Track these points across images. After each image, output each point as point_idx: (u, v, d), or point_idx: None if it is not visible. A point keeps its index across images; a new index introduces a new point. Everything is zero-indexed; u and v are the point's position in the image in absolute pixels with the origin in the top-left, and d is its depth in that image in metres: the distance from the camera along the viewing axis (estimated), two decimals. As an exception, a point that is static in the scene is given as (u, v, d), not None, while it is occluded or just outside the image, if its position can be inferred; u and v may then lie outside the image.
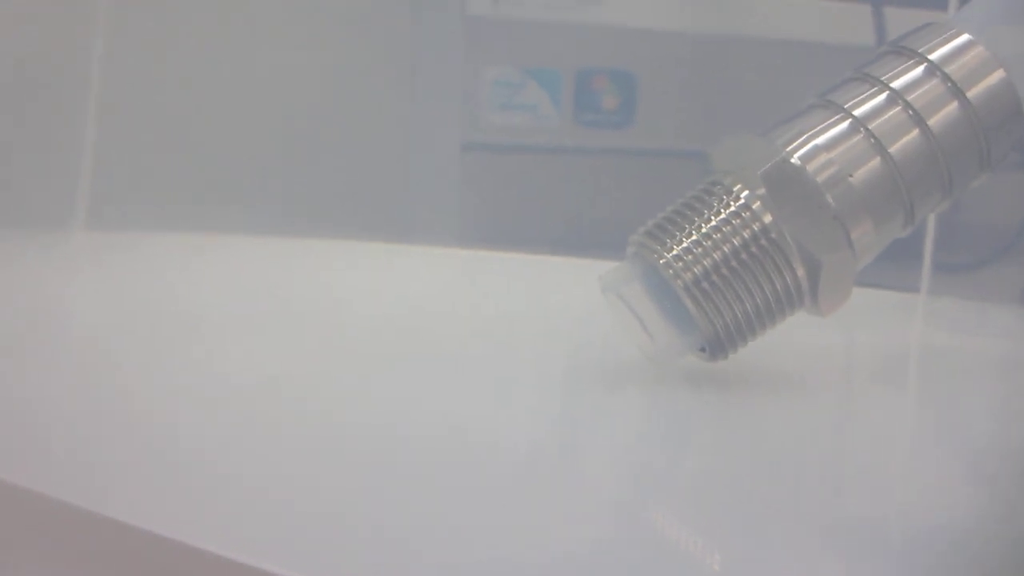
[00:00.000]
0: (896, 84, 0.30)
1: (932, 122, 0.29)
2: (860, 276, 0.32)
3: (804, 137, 0.30)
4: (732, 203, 0.30)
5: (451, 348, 0.35)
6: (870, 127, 0.30)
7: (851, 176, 0.29)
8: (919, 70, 0.30)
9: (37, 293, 0.42)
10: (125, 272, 0.46)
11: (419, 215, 0.60)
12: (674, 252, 0.30)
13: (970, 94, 0.29)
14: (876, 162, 0.30)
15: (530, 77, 0.65)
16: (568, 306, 0.38)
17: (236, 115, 0.57)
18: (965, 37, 0.29)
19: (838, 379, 0.34)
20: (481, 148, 0.63)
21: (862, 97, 0.30)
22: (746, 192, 0.30)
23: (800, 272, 0.30)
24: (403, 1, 0.62)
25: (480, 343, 0.36)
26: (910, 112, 0.29)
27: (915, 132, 0.29)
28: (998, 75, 0.29)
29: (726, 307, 0.30)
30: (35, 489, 0.24)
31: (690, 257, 0.30)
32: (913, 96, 0.29)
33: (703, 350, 0.31)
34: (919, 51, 0.30)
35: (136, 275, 0.45)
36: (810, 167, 0.30)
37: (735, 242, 0.30)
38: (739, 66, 0.69)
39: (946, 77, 0.29)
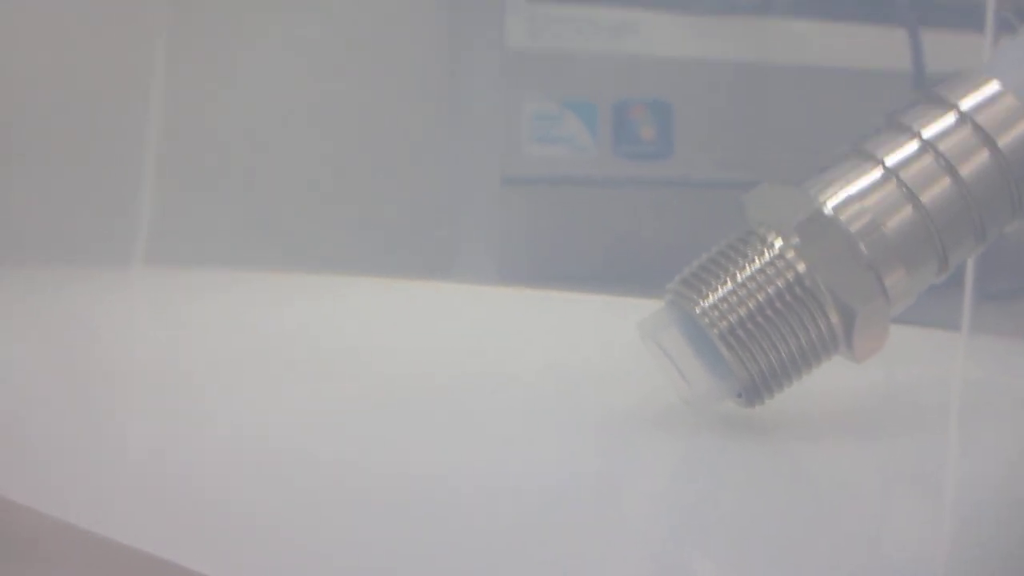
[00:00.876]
0: (927, 133, 0.30)
1: (963, 170, 0.30)
2: (901, 312, 0.32)
3: (837, 186, 0.30)
4: (767, 252, 0.31)
5: (487, 388, 0.36)
6: (902, 176, 0.30)
7: (884, 225, 0.30)
8: (950, 119, 0.30)
9: (94, 330, 0.43)
10: (182, 309, 0.47)
11: (460, 248, 0.61)
12: (710, 300, 0.31)
13: (1001, 143, 0.30)
14: (908, 211, 0.30)
15: (568, 109, 0.66)
16: (607, 347, 0.39)
17: (283, 151, 0.58)
18: (996, 86, 0.30)
19: (877, 422, 0.35)
20: (521, 181, 0.64)
21: (894, 146, 0.30)
22: (780, 241, 0.31)
23: (835, 320, 0.30)
24: (442, 36, 0.63)
25: (517, 383, 0.37)
26: (941, 161, 0.30)
27: (946, 180, 0.30)
28: (1029, 124, 0.29)
29: (761, 354, 0.30)
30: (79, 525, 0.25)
31: (725, 306, 0.31)
32: (944, 145, 0.30)
33: (740, 396, 0.32)
34: (950, 100, 0.30)
35: (193, 312, 0.47)
36: (843, 216, 0.30)
37: (770, 291, 0.30)
38: (776, 93, 0.69)
39: (977, 126, 0.30)
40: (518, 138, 0.64)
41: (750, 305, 0.30)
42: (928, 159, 0.30)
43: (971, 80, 0.30)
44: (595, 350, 0.39)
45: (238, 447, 0.31)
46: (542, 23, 0.65)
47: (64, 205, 0.56)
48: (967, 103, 0.30)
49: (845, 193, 0.30)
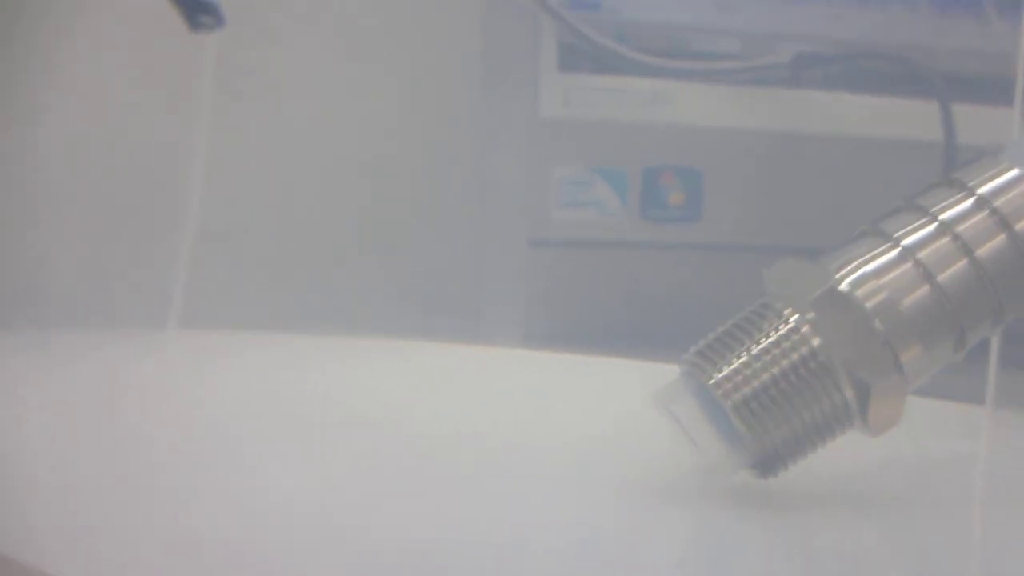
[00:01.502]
0: (945, 216, 0.31)
1: (980, 253, 0.30)
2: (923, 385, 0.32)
3: (854, 264, 0.31)
4: (782, 325, 0.31)
5: (505, 452, 0.37)
6: (919, 256, 0.30)
7: (900, 303, 0.30)
8: (968, 203, 0.31)
9: (127, 394, 0.44)
10: (215, 374, 0.48)
11: (488, 310, 0.62)
12: (724, 372, 0.31)
13: (1019, 227, 0.30)
14: (925, 290, 0.30)
15: (597, 175, 0.67)
16: (625, 413, 0.39)
17: (317, 216, 0.60)
18: (1015, 172, 0.30)
19: (895, 499, 0.34)
20: (548, 244, 0.65)
21: (912, 227, 0.31)
22: (796, 316, 0.31)
23: (849, 394, 0.31)
24: (478, 103, 0.65)
25: (535, 448, 0.37)
26: (959, 243, 0.30)
27: (964, 262, 0.30)
28: (1045, 208, 0.30)
29: (775, 427, 0.31)
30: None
31: (740, 378, 0.31)
32: (962, 227, 0.30)
33: (754, 467, 0.32)
34: (969, 184, 0.31)
35: (226, 377, 0.48)
36: (859, 293, 0.31)
37: (784, 364, 0.31)
38: (803, 162, 0.70)
39: (995, 211, 0.30)
40: (546, 202, 0.65)
41: (764, 378, 0.31)
42: (946, 240, 0.30)
43: (989, 165, 0.31)
44: (613, 416, 0.39)
45: (269, 512, 0.31)
46: (575, 93, 0.66)
47: (101, 268, 0.57)
48: (986, 188, 0.30)
49: (861, 270, 0.31)
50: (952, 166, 0.65)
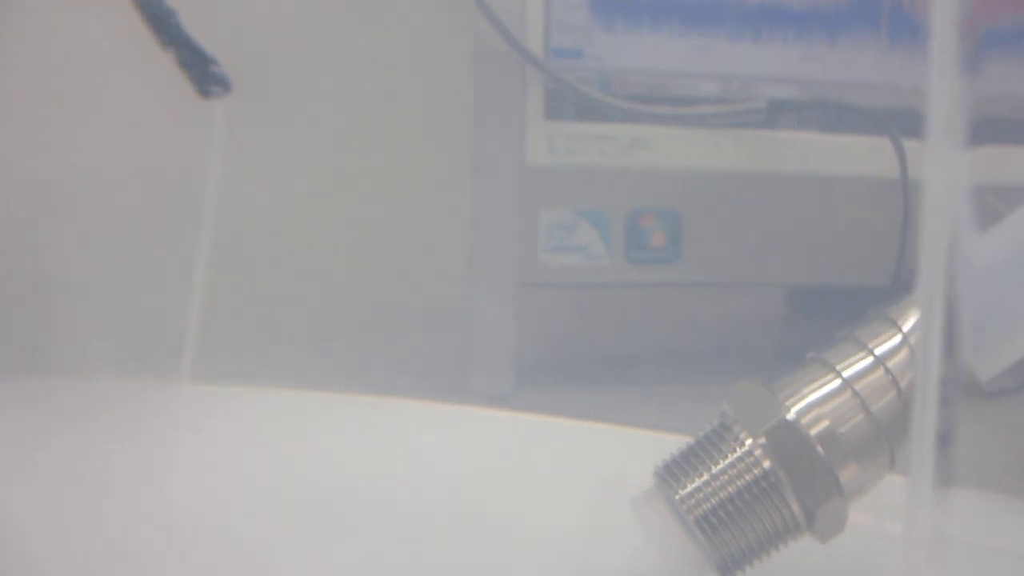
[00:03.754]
0: (878, 351, 0.35)
1: (904, 384, 0.35)
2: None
3: (801, 394, 0.35)
4: (739, 448, 0.35)
5: (483, 532, 0.41)
6: (856, 388, 0.35)
7: (839, 430, 0.35)
8: (897, 340, 0.35)
9: (135, 450, 0.48)
10: (223, 431, 0.52)
11: (477, 351, 0.66)
12: (688, 489, 0.36)
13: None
14: (860, 418, 0.35)
15: (582, 218, 0.70)
16: (601, 494, 0.44)
17: (318, 270, 0.64)
18: (938, 313, 0.35)
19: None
20: (535, 287, 0.69)
21: (851, 360, 0.35)
22: (750, 440, 0.35)
23: (797, 509, 0.35)
24: (466, 152, 0.68)
25: (502, 528, 0.42)
26: (889, 376, 0.35)
27: (893, 393, 0.35)
28: (967, 347, 0.34)
29: (732, 539, 0.35)
30: None
31: (701, 495, 0.35)
32: (892, 362, 0.35)
33: (718, 570, 0.36)
34: (898, 322, 0.35)
35: (232, 435, 0.52)
36: (804, 421, 0.35)
37: (740, 483, 0.35)
38: (775, 200, 0.73)
39: (913, 349, 0.34)
40: (533, 246, 0.69)
41: (723, 495, 0.35)
42: (879, 373, 0.35)
43: (914, 305, 0.35)
44: (589, 497, 0.44)
45: None
46: (560, 140, 0.69)
47: (113, 319, 0.61)
48: (909, 326, 0.35)
49: (807, 400, 0.35)
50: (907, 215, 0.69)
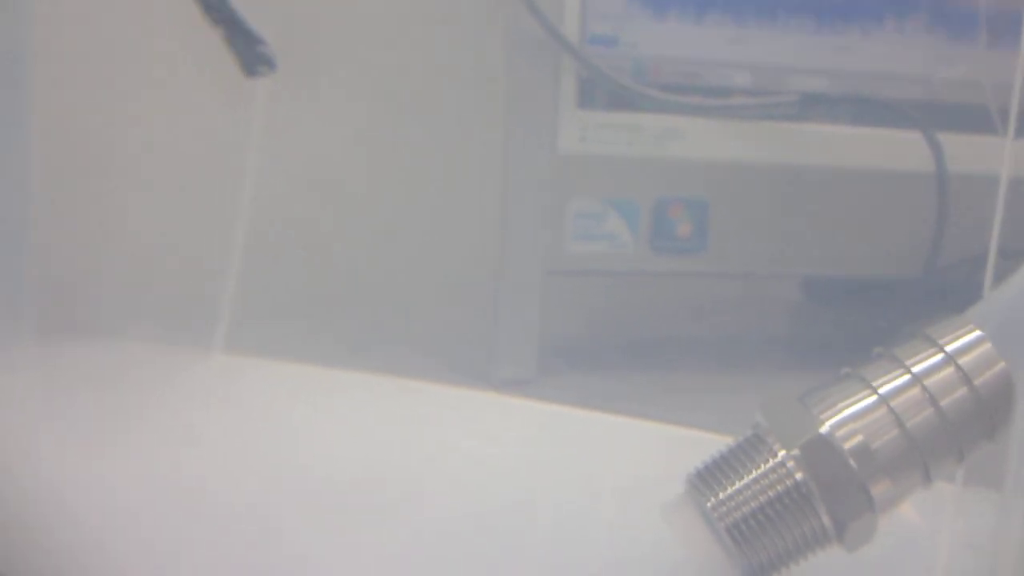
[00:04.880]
0: (916, 369, 0.35)
1: (944, 403, 0.35)
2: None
3: (836, 407, 0.36)
4: (771, 459, 0.36)
5: (505, 533, 0.41)
6: (892, 404, 0.35)
7: (872, 445, 0.35)
8: (937, 359, 0.35)
9: (167, 418, 0.49)
10: (250, 404, 0.53)
11: (501, 343, 0.66)
12: (720, 497, 0.36)
13: (977, 382, 0.35)
14: (895, 434, 0.35)
15: (610, 207, 0.71)
16: (630, 487, 0.44)
17: (348, 254, 0.64)
18: (977, 334, 0.35)
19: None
20: (563, 275, 0.69)
21: (887, 377, 0.35)
22: (783, 451, 0.36)
23: (827, 521, 0.35)
24: (497, 139, 0.68)
25: (527, 528, 0.42)
26: (927, 394, 0.35)
27: (930, 411, 0.35)
28: (1000, 367, 0.35)
29: (761, 547, 0.36)
30: None
31: (733, 503, 0.36)
32: (930, 381, 0.35)
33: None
34: (939, 342, 0.35)
35: (259, 407, 0.53)
36: (838, 434, 0.35)
37: (771, 494, 0.35)
38: (804, 193, 0.73)
39: (959, 367, 0.35)
40: (562, 235, 0.69)
41: (754, 504, 0.36)
42: (915, 391, 0.35)
43: (957, 325, 0.35)
44: (617, 496, 0.44)
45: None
46: (591, 129, 0.69)
47: (155, 285, 0.62)
48: (952, 347, 0.35)
49: (841, 414, 0.35)
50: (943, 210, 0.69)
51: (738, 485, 0.36)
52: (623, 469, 0.47)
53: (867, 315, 0.72)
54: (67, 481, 0.41)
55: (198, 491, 0.43)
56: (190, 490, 0.43)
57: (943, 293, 0.68)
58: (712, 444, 0.38)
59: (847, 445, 0.35)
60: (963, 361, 0.35)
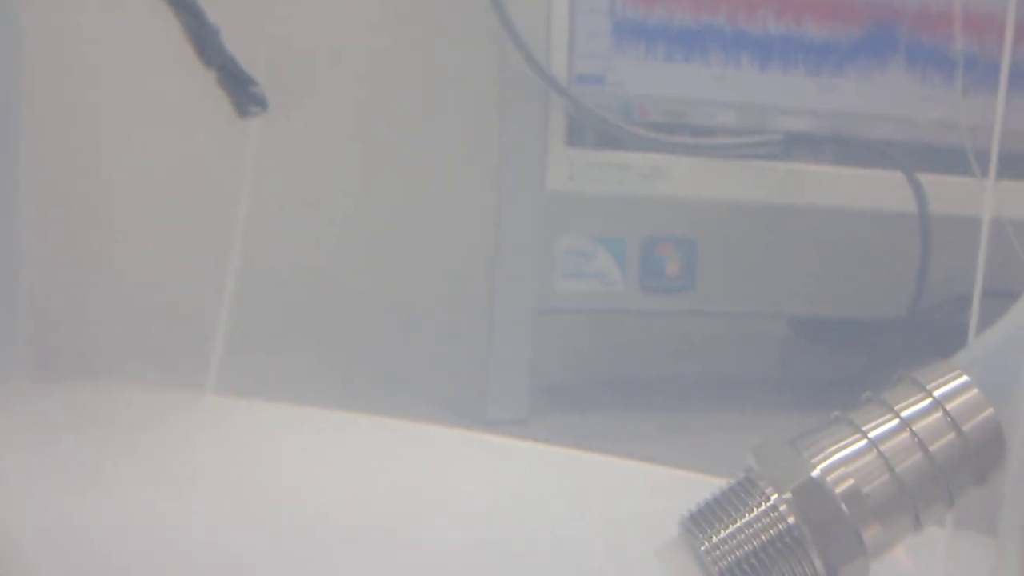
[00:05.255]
0: (905, 413, 0.36)
1: (933, 448, 0.35)
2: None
3: (826, 452, 0.36)
4: (764, 502, 0.36)
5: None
6: (882, 448, 0.36)
7: (863, 489, 0.35)
8: (925, 404, 0.36)
9: (157, 459, 0.49)
10: (240, 445, 0.53)
11: (496, 382, 0.67)
12: (713, 541, 0.36)
13: (965, 427, 0.35)
14: (885, 478, 0.36)
15: (600, 244, 0.71)
16: (619, 533, 0.44)
17: (339, 293, 0.65)
18: (964, 379, 0.36)
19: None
20: (553, 312, 0.70)
21: (876, 421, 0.36)
22: (776, 495, 0.36)
23: (819, 564, 0.36)
24: (490, 178, 0.69)
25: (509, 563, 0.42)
26: (916, 438, 0.35)
27: (919, 455, 0.35)
28: (987, 413, 0.35)
29: (755, 591, 0.36)
30: None
31: (726, 547, 0.36)
32: (918, 425, 0.36)
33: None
34: (927, 387, 0.36)
35: (250, 448, 0.53)
36: (829, 479, 0.36)
37: (764, 538, 0.36)
38: (790, 232, 0.74)
39: (946, 412, 0.35)
40: (552, 272, 0.70)
41: (747, 548, 0.36)
42: (904, 436, 0.36)
43: (944, 370, 0.36)
44: (611, 538, 0.45)
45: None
46: (580, 167, 0.70)
47: (146, 329, 0.62)
48: (940, 392, 0.36)
49: (832, 458, 0.36)
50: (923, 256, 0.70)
51: (731, 528, 0.36)
52: (616, 510, 0.47)
53: (853, 354, 0.73)
54: (55, 523, 0.42)
55: (188, 532, 0.43)
56: (180, 531, 0.43)
57: (927, 334, 0.69)
58: (703, 485, 0.38)
59: (838, 489, 0.35)
60: (951, 407, 0.35)
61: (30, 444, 0.49)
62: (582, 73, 0.71)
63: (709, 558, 0.36)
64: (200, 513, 0.45)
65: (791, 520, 0.36)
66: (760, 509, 0.36)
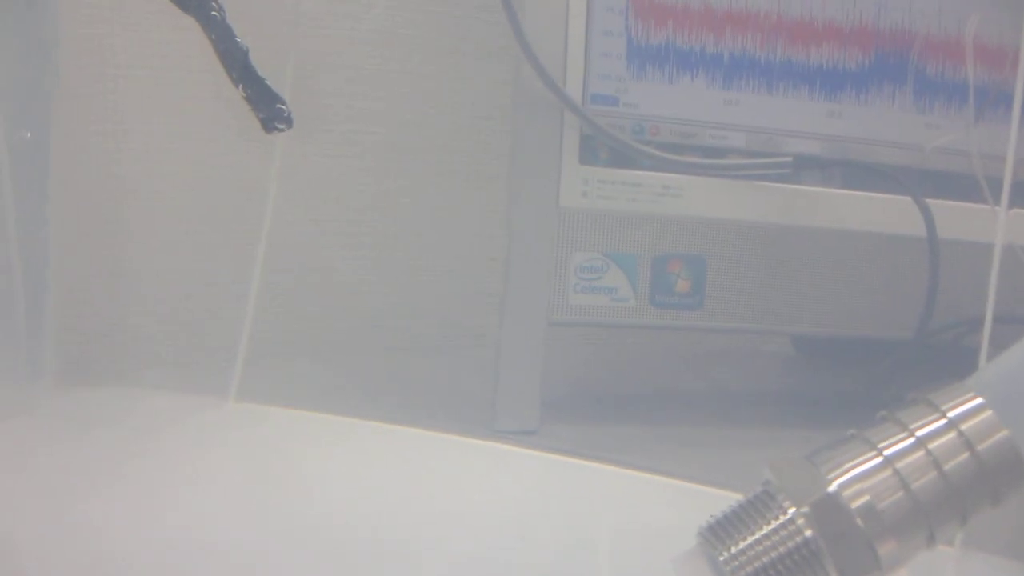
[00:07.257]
0: (920, 433, 0.37)
1: (947, 467, 0.37)
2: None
3: (843, 468, 0.37)
4: (782, 515, 0.37)
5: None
6: (897, 466, 0.37)
7: (879, 506, 0.37)
8: (939, 424, 0.37)
9: (178, 464, 0.50)
10: (261, 449, 0.54)
11: (507, 394, 0.68)
12: (732, 551, 0.37)
13: (979, 448, 0.36)
14: (900, 495, 0.37)
15: (611, 261, 0.72)
16: (629, 542, 0.45)
17: (355, 305, 0.66)
18: (978, 401, 0.37)
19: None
20: (564, 325, 0.71)
21: (892, 440, 0.37)
22: (793, 509, 0.37)
23: (834, 577, 0.37)
24: (502, 194, 0.70)
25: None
26: (931, 457, 0.37)
27: (934, 474, 0.37)
28: (1002, 435, 0.36)
29: (772, 602, 0.37)
30: None
31: (745, 557, 0.37)
32: (933, 445, 0.37)
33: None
34: (941, 407, 0.37)
35: (269, 454, 0.53)
36: (846, 494, 0.37)
37: (781, 550, 0.37)
38: (798, 253, 0.76)
39: (961, 433, 0.36)
40: (564, 288, 0.71)
41: (765, 560, 0.37)
42: (920, 454, 0.37)
43: (959, 392, 0.37)
44: (624, 541, 0.45)
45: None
46: (593, 185, 0.71)
47: (168, 335, 0.63)
48: (954, 413, 0.37)
49: (849, 474, 0.37)
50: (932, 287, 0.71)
51: (750, 540, 0.37)
52: (626, 520, 0.48)
53: (857, 374, 0.74)
54: (74, 523, 0.42)
55: (203, 534, 0.44)
56: (196, 533, 0.44)
57: (932, 355, 0.71)
58: (711, 497, 0.39)
59: (854, 504, 0.37)
60: (965, 427, 0.37)
61: (52, 446, 0.50)
62: (596, 93, 0.73)
63: (728, 568, 0.37)
64: (215, 516, 0.46)
65: (808, 533, 0.37)
66: (778, 522, 0.37)
